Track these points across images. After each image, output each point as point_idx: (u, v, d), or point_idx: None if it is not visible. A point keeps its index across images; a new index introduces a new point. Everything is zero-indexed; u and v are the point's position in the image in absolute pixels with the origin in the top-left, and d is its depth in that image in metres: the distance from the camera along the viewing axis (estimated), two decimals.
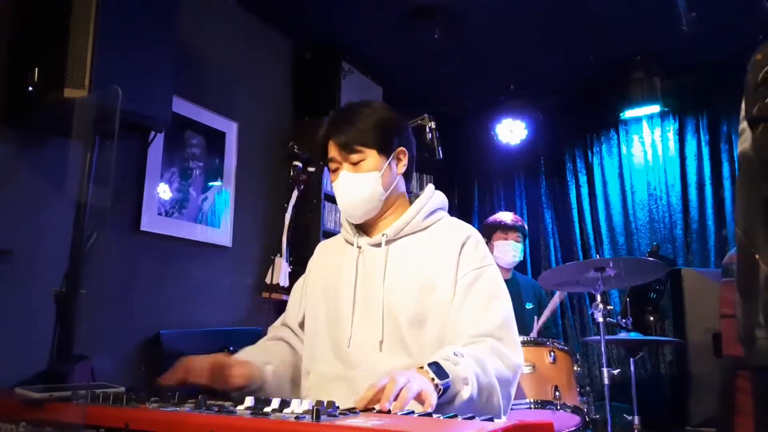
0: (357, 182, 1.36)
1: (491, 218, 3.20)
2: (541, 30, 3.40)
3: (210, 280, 2.79)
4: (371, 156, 1.36)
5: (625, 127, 4.07)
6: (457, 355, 1.14)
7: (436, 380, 1.05)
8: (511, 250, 3.05)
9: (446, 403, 1.09)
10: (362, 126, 1.36)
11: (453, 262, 1.32)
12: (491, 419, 0.76)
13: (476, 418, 0.77)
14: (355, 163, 1.36)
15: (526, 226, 3.21)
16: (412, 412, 0.83)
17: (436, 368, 1.07)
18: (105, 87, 1.78)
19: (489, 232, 3.08)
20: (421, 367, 1.08)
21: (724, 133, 3.75)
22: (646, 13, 3.19)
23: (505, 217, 3.17)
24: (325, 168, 1.46)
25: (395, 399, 0.90)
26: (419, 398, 0.98)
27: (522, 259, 3.16)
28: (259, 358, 1.34)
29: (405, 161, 1.43)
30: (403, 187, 1.46)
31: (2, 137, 2.00)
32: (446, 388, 1.06)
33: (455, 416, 0.80)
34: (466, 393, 1.09)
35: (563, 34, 3.44)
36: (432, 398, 0.97)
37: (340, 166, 1.38)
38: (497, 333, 1.26)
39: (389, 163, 1.38)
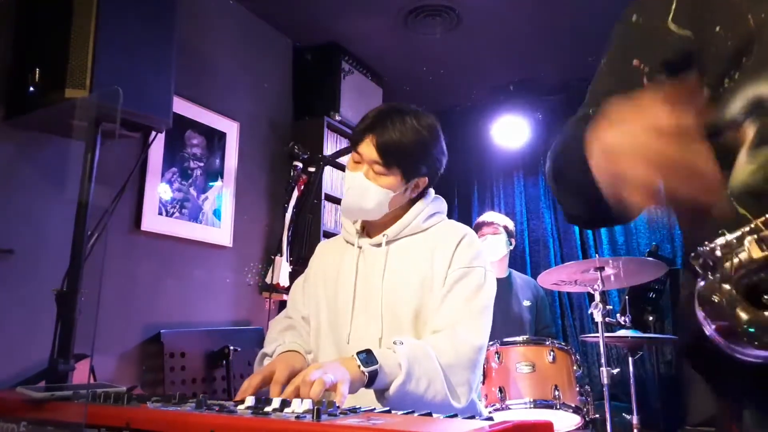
0: (369, 190, 1.35)
1: None
2: (540, 30, 3.41)
3: (210, 280, 2.79)
4: (394, 175, 1.35)
5: None
6: (396, 344, 1.16)
7: (362, 367, 1.07)
8: (487, 245, 3.06)
9: (383, 390, 1.11)
10: (405, 139, 1.32)
11: (448, 259, 1.34)
12: (491, 418, 0.76)
13: (476, 417, 0.77)
14: (377, 172, 1.35)
15: (509, 222, 3.22)
16: (413, 412, 0.84)
17: (366, 356, 1.10)
18: (106, 87, 1.78)
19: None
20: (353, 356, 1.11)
21: None
22: None
23: (481, 217, 3.23)
24: (325, 168, 1.45)
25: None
26: (332, 388, 1.00)
27: (507, 252, 3.16)
28: (302, 347, 1.37)
29: (421, 188, 1.43)
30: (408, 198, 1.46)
31: (4, 137, 2.00)
32: (373, 374, 1.08)
33: (455, 415, 0.80)
34: (399, 379, 1.11)
35: (563, 35, 3.44)
36: (343, 389, 1.00)
37: (361, 165, 1.36)
38: (461, 320, 1.28)
39: (406, 187, 1.39)
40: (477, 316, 1.30)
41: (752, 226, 0.72)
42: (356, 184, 1.36)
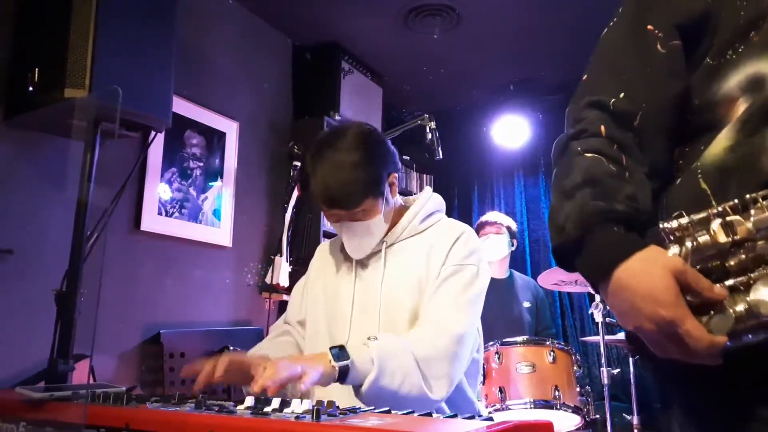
0: (364, 231, 1.35)
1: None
2: (540, 30, 3.40)
3: (210, 280, 2.79)
4: (372, 206, 1.33)
5: None
6: (370, 339, 1.17)
7: (333, 362, 1.09)
8: (489, 244, 3.07)
9: (358, 386, 1.12)
10: (352, 177, 1.28)
11: (443, 257, 1.34)
12: (491, 419, 0.76)
13: (476, 417, 0.77)
14: (356, 213, 1.32)
15: (512, 223, 3.22)
16: (412, 412, 0.83)
17: (338, 351, 1.11)
18: (105, 87, 1.77)
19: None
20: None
21: None
22: None
23: (484, 216, 3.24)
24: None
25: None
26: (299, 377, 1.02)
27: (508, 252, 3.16)
28: (274, 353, 1.35)
29: (396, 182, 1.41)
30: (397, 198, 1.45)
31: (2, 136, 2.00)
32: (344, 369, 1.09)
33: (455, 416, 0.80)
34: (372, 374, 1.11)
35: (563, 35, 3.44)
36: (309, 377, 1.02)
37: (340, 217, 1.35)
38: (445, 313, 1.27)
39: (386, 196, 1.37)
40: (462, 308, 1.29)
41: (719, 209, 0.70)
42: (350, 236, 1.36)
